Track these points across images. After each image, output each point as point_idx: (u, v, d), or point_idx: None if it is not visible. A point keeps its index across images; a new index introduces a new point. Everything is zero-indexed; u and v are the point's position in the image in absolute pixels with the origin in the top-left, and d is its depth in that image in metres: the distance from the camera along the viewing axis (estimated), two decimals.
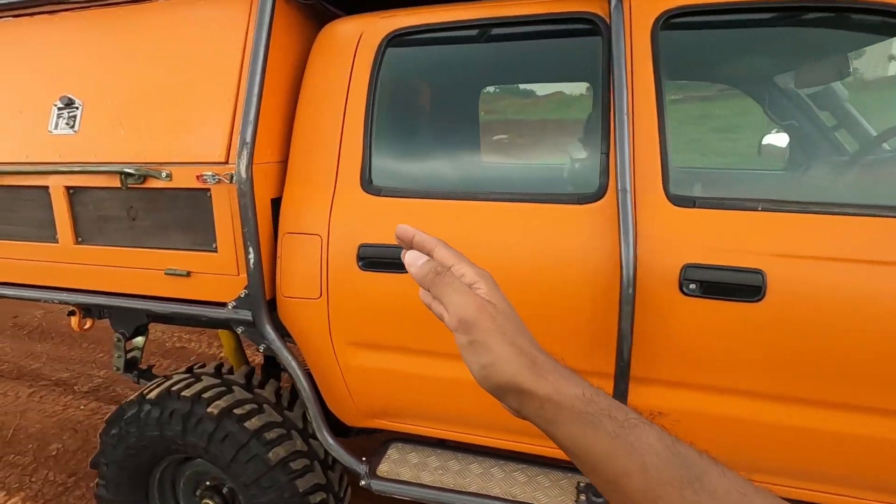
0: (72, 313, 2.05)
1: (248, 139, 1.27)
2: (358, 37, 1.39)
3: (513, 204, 1.25)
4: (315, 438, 1.58)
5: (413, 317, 1.31)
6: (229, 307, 1.39)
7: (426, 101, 1.73)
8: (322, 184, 1.38)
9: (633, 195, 1.11)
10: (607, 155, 1.18)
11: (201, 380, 1.58)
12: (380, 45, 1.36)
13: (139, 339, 2.13)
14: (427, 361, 1.35)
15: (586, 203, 1.19)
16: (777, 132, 2.25)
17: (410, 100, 1.67)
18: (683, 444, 0.41)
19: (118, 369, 2.02)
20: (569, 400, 0.42)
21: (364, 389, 1.44)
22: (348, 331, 1.38)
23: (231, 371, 1.67)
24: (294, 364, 1.40)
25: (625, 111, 1.12)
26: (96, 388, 3.37)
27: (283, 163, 1.46)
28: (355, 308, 1.35)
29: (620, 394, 1.13)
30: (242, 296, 1.37)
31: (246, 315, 1.38)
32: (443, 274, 0.48)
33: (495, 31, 1.32)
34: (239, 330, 1.42)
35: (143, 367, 2.16)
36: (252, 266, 1.31)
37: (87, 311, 2.00)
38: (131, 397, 1.60)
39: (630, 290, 1.08)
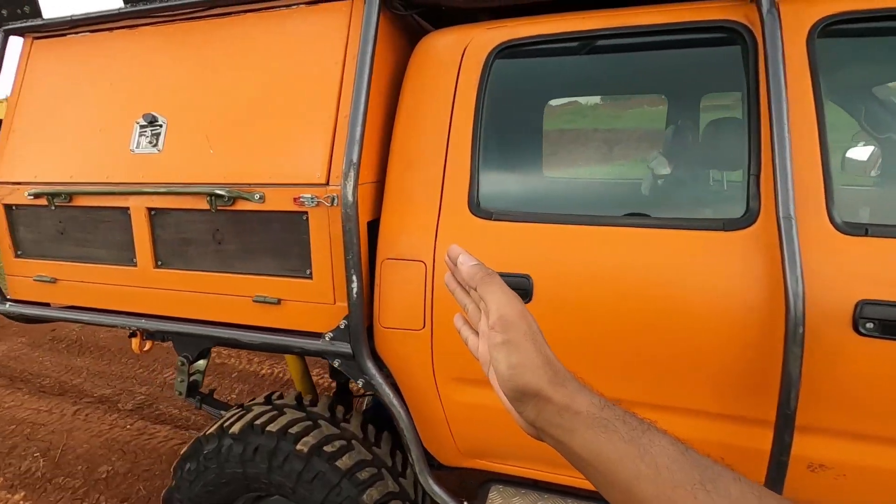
0: (133, 335, 1.97)
1: (355, 159, 1.18)
2: (462, 49, 1.30)
3: (640, 230, 1.14)
4: (404, 478, 1.47)
5: None
6: (326, 338, 1.30)
7: (539, 116, 1.63)
8: (425, 206, 1.29)
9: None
10: (757, 176, 1.07)
11: (284, 412, 1.48)
12: (487, 58, 1.27)
13: (201, 363, 2.06)
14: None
15: (734, 230, 1.07)
16: (863, 145, 2.12)
17: (521, 116, 1.57)
18: (696, 451, 0.41)
19: (181, 394, 1.94)
20: (585, 406, 0.44)
21: (467, 428, 1.33)
22: (454, 365, 1.28)
23: (313, 402, 1.57)
24: (396, 401, 1.29)
25: (785, 128, 1.00)
26: (140, 406, 3.31)
27: (377, 183, 1.37)
28: (460, 340, 1.25)
29: (783, 445, 1.00)
30: (342, 326, 1.27)
31: (344, 347, 1.28)
32: (492, 275, 0.51)
33: (619, 41, 1.22)
34: (336, 363, 1.32)
35: (205, 391, 2.09)
36: (355, 295, 1.22)
37: (151, 333, 1.92)
38: (209, 430, 1.51)
39: (800, 330, 0.96)
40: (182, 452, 1.57)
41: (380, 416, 1.66)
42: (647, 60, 1.38)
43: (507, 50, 1.26)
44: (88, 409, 3.27)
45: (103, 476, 2.61)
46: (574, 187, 1.53)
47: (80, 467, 2.68)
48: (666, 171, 2.01)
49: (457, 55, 1.30)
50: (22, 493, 2.52)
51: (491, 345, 0.48)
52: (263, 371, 3.75)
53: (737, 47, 1.13)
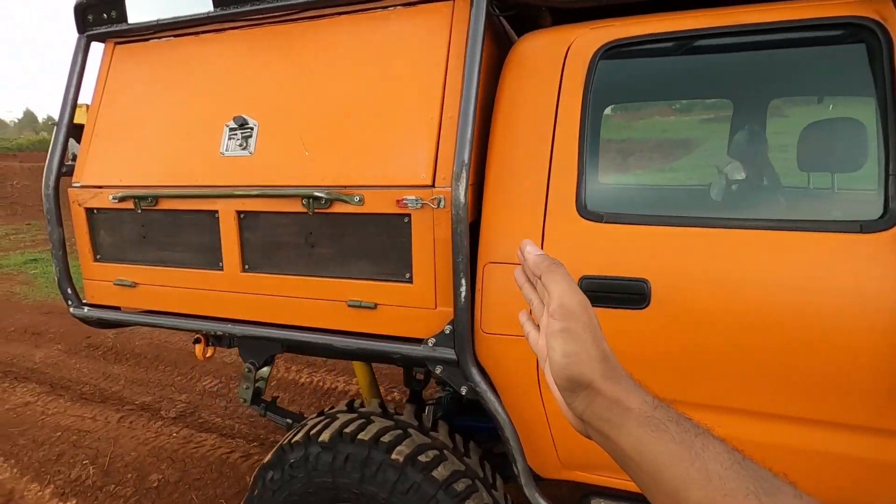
0: (197, 341, 1.95)
1: (467, 160, 1.15)
2: (565, 49, 1.27)
3: (769, 233, 1.10)
4: (495, 489, 1.43)
5: (646, 358, 1.16)
6: (428, 344, 1.26)
7: (644, 116, 1.60)
8: (529, 209, 1.25)
9: None
10: None
11: (372, 420, 1.45)
12: (593, 57, 1.25)
13: (265, 370, 2.03)
14: None
15: (873, 232, 1.03)
16: None
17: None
18: (756, 462, 0.38)
19: (245, 401, 1.91)
20: (637, 403, 0.43)
21: (571, 438, 1.28)
22: None
23: (398, 412, 1.53)
24: (502, 410, 1.25)
25: None
26: (183, 414, 3.29)
27: (474, 185, 1.35)
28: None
29: None
30: (446, 332, 1.24)
31: (448, 353, 1.24)
32: (557, 265, 0.50)
33: (733, 40, 1.19)
34: (438, 370, 1.29)
35: (268, 399, 2.06)
36: (462, 299, 1.18)
37: (218, 338, 1.90)
38: (293, 438, 1.47)
39: None
40: (264, 461, 1.53)
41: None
42: (758, 60, 1.35)
43: (613, 50, 1.24)
44: (132, 416, 3.26)
45: (154, 485, 2.58)
46: (690, 188, 1.49)
47: (129, 475, 2.66)
48: (741, 176, 1.96)
49: (559, 56, 1.28)
50: (73, 501, 2.50)
51: (549, 332, 0.47)
52: (303, 380, 3.72)
53: (861, 45, 1.10)
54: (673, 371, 1.15)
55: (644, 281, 1.14)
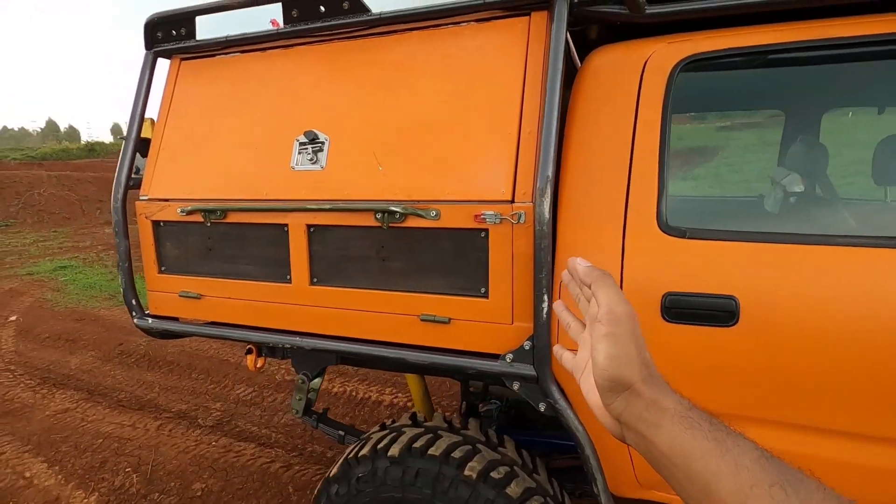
0: (249, 352, 1.96)
1: (551, 175, 1.15)
2: (643, 63, 1.27)
3: (868, 250, 1.07)
4: None
5: (732, 376, 1.14)
6: (507, 360, 1.26)
7: (726, 129, 1.59)
8: (608, 224, 1.24)
9: None
10: None
11: (441, 435, 1.44)
12: (672, 71, 1.24)
13: (317, 381, 2.03)
14: (744, 429, 1.16)
15: None
16: None
17: (709, 129, 1.53)
18: (784, 461, 0.41)
19: (297, 412, 1.91)
20: (672, 404, 0.47)
21: None
22: None
23: (465, 426, 1.52)
24: (582, 427, 1.24)
25: None
26: (220, 423, 3.31)
27: None
28: (655, 364, 1.19)
29: None
30: (525, 347, 1.23)
31: (526, 370, 1.23)
32: (607, 275, 0.56)
33: (824, 53, 1.17)
34: (515, 386, 1.28)
35: (319, 410, 2.06)
36: (545, 315, 1.18)
37: (271, 349, 1.91)
38: (361, 451, 1.47)
39: None
40: (328, 474, 1.53)
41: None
42: (841, 73, 1.33)
43: (695, 63, 1.23)
44: (170, 424, 3.29)
45: (198, 494, 2.59)
46: (784, 202, 1.47)
47: (173, 484, 2.67)
48: (800, 188, 1.93)
49: (636, 69, 1.27)
50: None
51: (595, 336, 0.51)
52: (335, 389, 3.73)
53: None
54: (764, 389, 1.13)
55: (732, 298, 1.12)
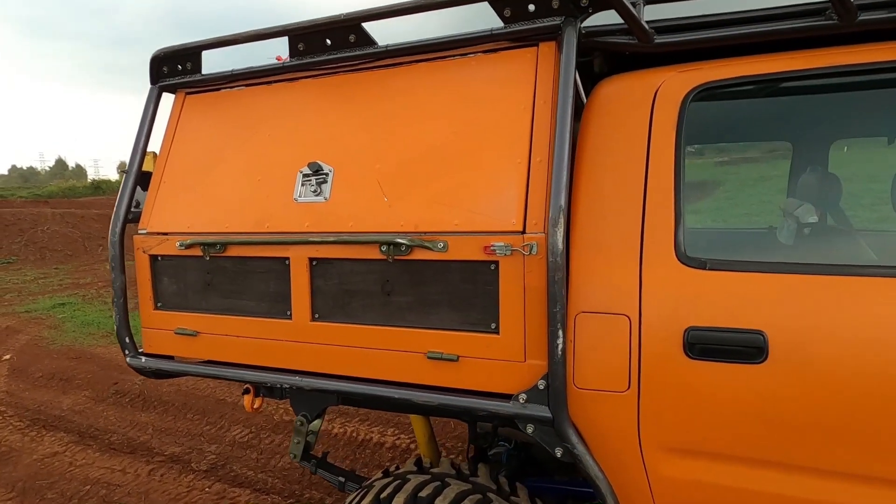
0: (246, 391, 1.88)
1: (564, 205, 1.10)
2: (653, 92, 1.25)
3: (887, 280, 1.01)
4: None
5: (765, 417, 1.06)
6: (520, 400, 1.18)
7: (738, 159, 1.56)
8: (623, 256, 1.19)
9: None
10: None
11: (449, 483, 1.34)
12: (684, 100, 1.22)
13: (316, 423, 1.93)
14: (777, 476, 1.07)
15: None
16: None
17: (721, 159, 1.51)
18: None
19: (295, 456, 1.81)
20: None
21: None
22: (665, 433, 1.13)
23: (475, 472, 1.42)
24: (602, 475, 1.14)
25: None
26: (214, 467, 3.16)
27: None
28: (678, 404, 1.11)
29: None
30: (539, 387, 1.15)
31: (541, 411, 1.15)
32: None
33: (835, 80, 1.15)
34: (529, 430, 1.19)
35: (319, 454, 1.95)
36: (560, 352, 1.11)
37: (269, 390, 1.82)
38: (363, 501, 1.36)
39: None
40: None
41: None
42: (855, 101, 1.31)
43: (706, 91, 1.21)
44: (162, 468, 3.14)
45: None
46: (806, 233, 1.42)
47: None
48: (813, 219, 1.89)
49: (647, 98, 1.25)
50: None
51: None
52: (336, 430, 3.58)
53: None
54: (796, 431, 1.04)
55: (760, 333, 1.06)
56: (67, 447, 3.47)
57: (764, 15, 1.22)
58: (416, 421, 1.84)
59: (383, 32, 1.49)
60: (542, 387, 1.15)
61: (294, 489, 2.89)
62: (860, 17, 1.11)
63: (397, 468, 1.51)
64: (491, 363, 1.22)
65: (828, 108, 1.36)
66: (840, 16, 1.11)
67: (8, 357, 5.47)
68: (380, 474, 1.50)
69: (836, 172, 1.90)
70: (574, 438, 1.14)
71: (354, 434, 3.52)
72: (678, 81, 1.24)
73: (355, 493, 1.45)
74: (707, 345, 1.09)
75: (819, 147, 2.03)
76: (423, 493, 1.30)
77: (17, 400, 4.33)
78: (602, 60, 1.52)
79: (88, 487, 2.95)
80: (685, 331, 1.11)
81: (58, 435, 3.66)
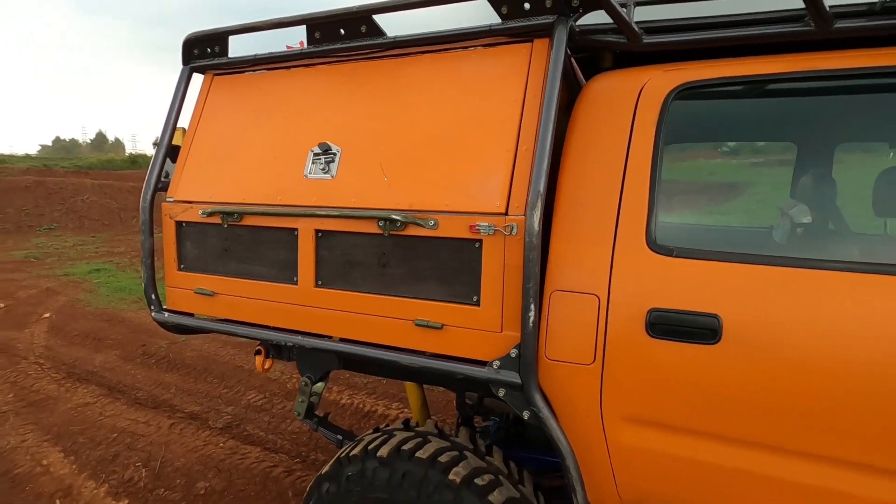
0: (258, 352, 2.04)
1: (542, 190, 1.21)
2: (638, 90, 1.33)
3: (848, 274, 1.09)
4: None
5: (713, 394, 1.15)
6: (493, 366, 1.30)
7: (714, 155, 1.63)
8: (598, 240, 1.29)
9: None
10: None
11: (430, 440, 1.47)
12: (666, 98, 1.29)
13: (320, 385, 2.09)
14: (724, 449, 1.17)
15: None
16: None
17: (699, 154, 1.58)
18: None
19: (299, 414, 1.97)
20: None
21: (632, 473, 1.27)
22: (624, 403, 1.24)
23: (457, 435, 1.55)
24: (564, 438, 1.26)
25: None
26: (228, 426, 3.39)
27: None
28: (637, 378, 1.22)
29: None
30: (512, 355, 1.27)
31: (512, 377, 1.27)
32: None
33: (808, 84, 1.21)
34: (500, 393, 1.31)
35: (321, 414, 2.11)
36: (531, 324, 1.22)
37: (278, 351, 1.99)
38: (352, 451, 1.51)
39: None
40: (321, 472, 1.57)
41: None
42: (828, 105, 1.36)
43: (687, 91, 1.29)
44: (182, 423, 3.38)
45: (201, 492, 2.65)
46: (751, 230, 1.49)
47: (178, 481, 2.74)
48: (807, 219, 1.93)
49: (632, 96, 1.33)
50: (126, 502, 2.60)
51: None
52: (343, 401, 3.77)
53: None
54: (742, 408, 1.13)
55: (714, 316, 1.15)
56: (98, 399, 3.76)
57: (749, 19, 1.29)
58: (410, 388, 1.98)
59: (394, 24, 1.60)
60: (514, 355, 1.27)
61: (301, 451, 3.09)
62: (836, 25, 1.17)
63: (387, 426, 1.65)
64: (471, 332, 1.34)
65: (800, 111, 1.42)
66: (816, 23, 1.17)
67: (48, 315, 5.86)
68: (371, 431, 1.64)
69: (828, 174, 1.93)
70: (540, 403, 1.26)
71: (361, 405, 3.70)
72: (662, 80, 1.31)
73: (348, 445, 1.60)
74: (667, 325, 1.18)
75: (823, 149, 2.06)
76: (406, 447, 1.43)
77: (54, 354, 4.67)
78: (611, 57, 1.59)
79: (115, 435, 3.21)
80: (648, 311, 1.20)
81: (90, 388, 3.96)
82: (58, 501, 2.59)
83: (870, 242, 1.61)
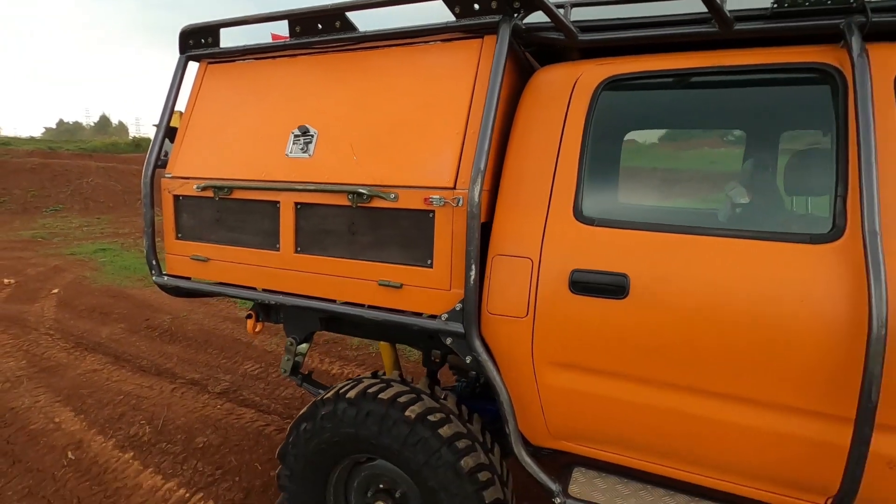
0: (249, 316, 2.27)
1: (482, 167, 1.41)
2: (573, 81, 1.53)
3: (733, 240, 1.30)
4: (492, 454, 1.64)
5: (623, 341, 1.37)
6: (442, 319, 1.52)
7: (634, 140, 1.83)
8: (534, 212, 1.50)
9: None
10: (844, 198, 1.21)
11: (392, 385, 1.70)
12: (596, 89, 1.49)
13: (304, 346, 2.31)
14: (632, 387, 1.39)
15: (821, 243, 1.21)
16: None
17: (620, 139, 1.78)
18: None
19: (285, 371, 2.20)
20: None
21: (558, 410, 1.50)
22: (551, 350, 1.46)
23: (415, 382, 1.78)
24: (499, 379, 1.48)
25: (872, 156, 1.15)
26: (226, 391, 3.64)
27: (489, 192, 1.60)
28: (561, 328, 1.43)
29: (862, 439, 1.11)
30: (457, 308, 1.49)
31: (457, 327, 1.49)
32: None
33: (715, 78, 1.41)
34: (448, 341, 1.53)
35: (305, 372, 2.35)
36: (472, 282, 1.43)
37: (267, 314, 2.22)
38: (326, 395, 1.74)
39: (882, 331, 1.08)
40: (300, 413, 1.81)
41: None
42: (739, 97, 1.55)
43: (614, 83, 1.48)
44: (183, 388, 3.64)
45: (200, 446, 2.91)
46: (670, 201, 1.70)
47: (179, 436, 3.00)
48: (745, 200, 2.13)
49: (568, 86, 1.53)
50: (131, 453, 2.86)
51: None
52: (334, 371, 4.01)
53: (825, 86, 1.29)
54: (647, 353, 1.35)
55: (624, 276, 1.36)
56: (105, 366, 4.02)
57: (672, 20, 1.48)
58: (383, 348, 2.21)
59: (366, 19, 1.79)
60: (458, 308, 1.49)
61: (293, 413, 3.34)
62: (737, 27, 1.36)
63: (359, 378, 1.88)
64: (425, 290, 1.56)
65: (711, 102, 1.61)
66: (719, 25, 1.36)
67: (56, 291, 6.13)
68: (345, 381, 1.87)
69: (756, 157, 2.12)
70: (479, 349, 1.48)
71: (350, 374, 3.95)
72: (593, 73, 1.51)
73: (325, 392, 1.83)
74: (585, 283, 1.40)
75: (769, 138, 2.24)
76: (371, 390, 1.66)
77: (63, 326, 4.93)
78: (578, 54, 1.77)
79: (121, 397, 3.47)
80: (571, 272, 1.42)
81: (97, 356, 4.23)
82: (69, 453, 2.86)
83: (770, 214, 1.81)
